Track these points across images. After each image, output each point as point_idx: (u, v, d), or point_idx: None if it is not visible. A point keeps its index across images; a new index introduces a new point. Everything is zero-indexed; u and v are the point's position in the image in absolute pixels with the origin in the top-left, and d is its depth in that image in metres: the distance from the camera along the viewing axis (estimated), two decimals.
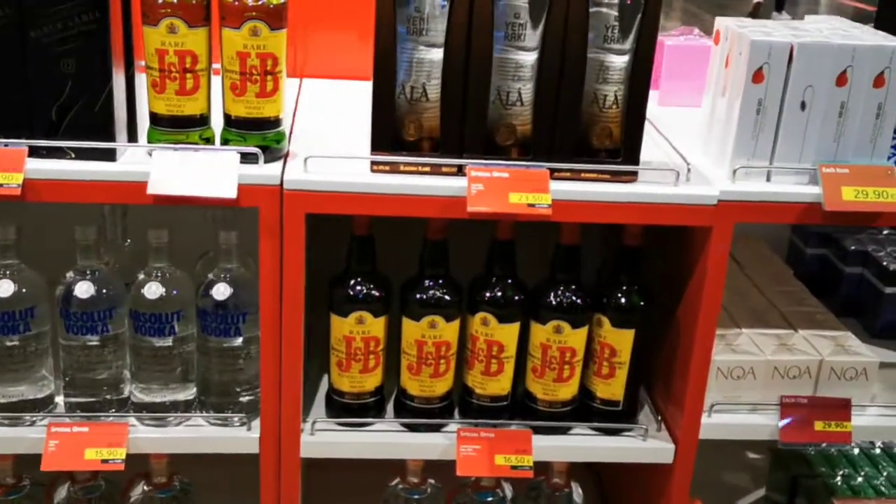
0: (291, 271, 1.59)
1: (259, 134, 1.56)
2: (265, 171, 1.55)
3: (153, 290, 1.63)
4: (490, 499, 1.90)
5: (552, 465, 1.89)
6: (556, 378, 1.75)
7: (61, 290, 1.64)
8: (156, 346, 1.66)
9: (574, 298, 1.71)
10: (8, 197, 1.47)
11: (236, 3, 1.47)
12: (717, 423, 1.78)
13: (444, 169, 1.59)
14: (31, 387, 1.68)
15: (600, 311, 1.74)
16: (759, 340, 1.84)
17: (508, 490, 1.93)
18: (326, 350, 1.75)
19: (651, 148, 1.79)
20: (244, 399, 1.74)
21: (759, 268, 2.16)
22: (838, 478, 2.21)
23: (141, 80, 1.59)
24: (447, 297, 1.70)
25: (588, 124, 1.60)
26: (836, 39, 1.58)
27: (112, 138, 1.52)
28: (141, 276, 1.66)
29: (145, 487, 1.82)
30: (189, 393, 1.73)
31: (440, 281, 1.70)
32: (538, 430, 1.78)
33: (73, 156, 1.52)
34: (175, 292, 1.66)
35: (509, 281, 1.72)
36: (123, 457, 1.65)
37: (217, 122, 1.59)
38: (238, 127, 1.56)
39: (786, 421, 1.77)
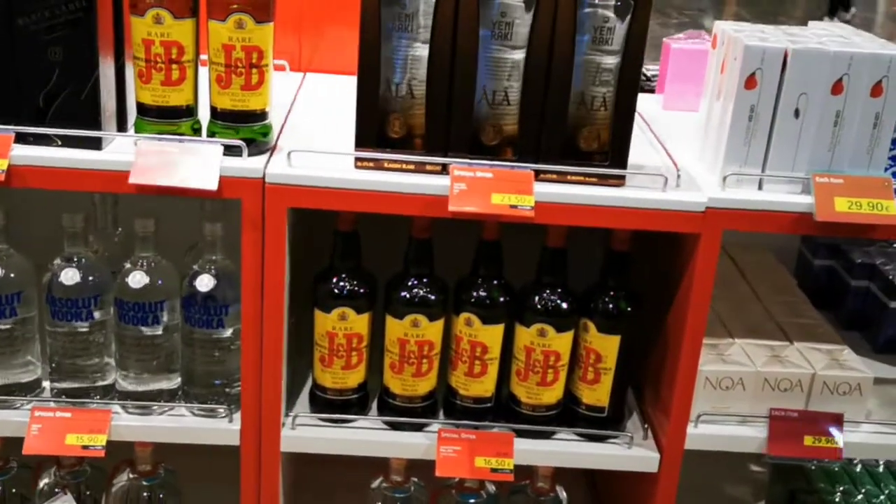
0: (273, 265, 1.59)
1: (244, 126, 1.56)
2: (248, 164, 1.55)
3: (137, 280, 1.64)
4: (473, 500, 1.89)
5: (537, 469, 1.87)
6: (539, 381, 1.73)
7: (48, 277, 1.65)
8: (140, 334, 1.67)
9: (559, 302, 1.69)
10: None
11: None
12: (703, 434, 1.75)
13: (429, 167, 1.58)
14: (18, 371, 1.70)
15: (586, 315, 1.72)
16: (752, 351, 1.80)
17: (493, 492, 1.91)
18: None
19: (646, 152, 1.77)
20: (231, 391, 1.75)
21: (762, 278, 2.12)
22: (837, 494, 2.17)
23: (131, 71, 1.59)
24: (430, 297, 1.69)
25: (576, 126, 1.58)
26: (832, 46, 1.54)
27: (98, 127, 1.53)
28: (127, 265, 1.66)
29: (130, 475, 1.83)
30: (173, 383, 1.74)
31: (424, 280, 1.69)
32: (521, 434, 1.76)
33: (59, 143, 1.53)
34: (160, 282, 1.67)
35: (495, 282, 1.70)
36: (104, 443, 1.66)
37: (205, 115, 1.59)
38: (223, 119, 1.56)
39: (773, 434, 1.73)
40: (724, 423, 1.76)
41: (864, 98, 1.55)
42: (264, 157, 1.58)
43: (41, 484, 1.83)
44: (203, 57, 1.55)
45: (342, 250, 1.68)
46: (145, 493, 1.84)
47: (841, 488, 2.18)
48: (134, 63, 1.53)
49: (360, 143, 1.57)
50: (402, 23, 1.51)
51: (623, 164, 1.58)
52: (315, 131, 1.74)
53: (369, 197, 1.56)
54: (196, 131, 1.59)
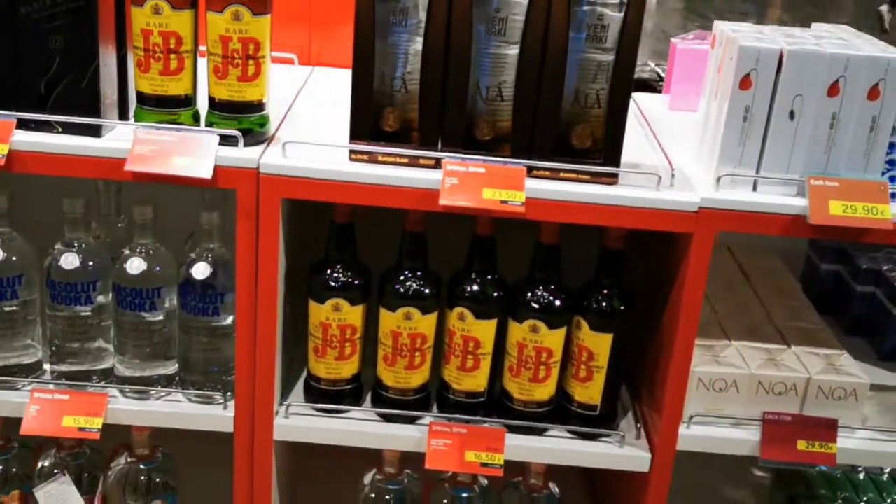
0: (267, 254, 1.61)
1: (241, 117, 1.58)
2: (243, 154, 1.57)
3: (135, 266, 1.67)
4: (466, 494, 1.90)
5: (530, 465, 1.87)
6: (531, 378, 1.74)
7: (48, 261, 1.68)
8: (137, 320, 1.70)
9: (551, 299, 1.69)
10: None
11: None
12: (696, 435, 1.74)
13: (422, 161, 1.59)
14: (19, 353, 1.73)
15: (579, 313, 1.72)
16: (747, 354, 1.79)
17: (485, 487, 1.92)
18: None
19: (644, 151, 1.76)
20: (228, 378, 1.77)
21: (766, 281, 2.11)
22: (839, 501, 2.15)
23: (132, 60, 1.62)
24: (423, 290, 1.70)
25: (570, 123, 1.59)
26: (828, 48, 1.53)
27: (98, 114, 1.56)
28: (126, 252, 1.69)
29: (128, 458, 1.86)
30: (170, 369, 1.77)
31: (418, 273, 1.70)
32: (513, 430, 1.77)
33: (59, 130, 1.56)
34: (158, 269, 1.69)
35: (489, 277, 1.71)
36: (100, 426, 1.69)
37: (205, 105, 1.62)
38: (220, 109, 1.58)
39: (766, 438, 1.72)
40: (716, 425, 1.75)
41: (860, 101, 1.54)
42: (260, 148, 1.60)
43: (41, 464, 1.86)
44: (203, 48, 1.58)
45: (337, 242, 1.70)
46: (143, 477, 1.87)
47: (842, 496, 2.17)
48: (133, 52, 1.55)
49: (355, 135, 1.58)
50: (397, 17, 1.53)
51: (616, 162, 1.58)
52: (316, 124, 1.76)
53: (362, 189, 1.57)
54: (196, 121, 1.62)
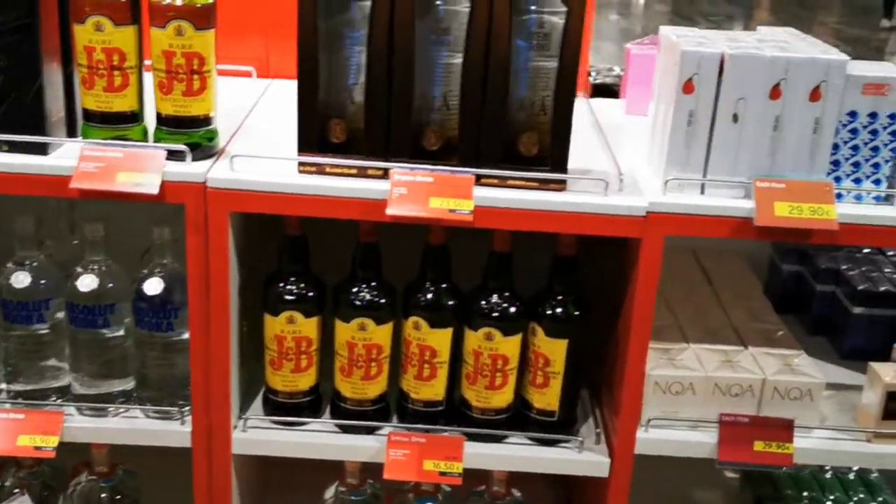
0: (218, 268, 1.61)
1: (188, 132, 1.58)
2: (191, 169, 1.57)
3: (87, 283, 1.67)
4: (429, 503, 1.90)
5: (492, 472, 1.87)
6: (488, 385, 1.74)
7: (0, 280, 1.68)
8: (91, 337, 1.70)
9: (505, 306, 1.70)
10: None
11: (161, 2, 1.50)
12: (653, 439, 1.74)
13: (370, 172, 1.59)
14: None
15: (534, 319, 1.72)
16: (704, 356, 1.80)
17: (448, 496, 1.92)
18: None
19: (596, 157, 1.77)
20: (186, 392, 1.76)
21: (728, 283, 2.11)
22: (805, 501, 2.16)
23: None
24: (377, 300, 1.70)
25: (517, 131, 1.59)
26: (768, 51, 1.54)
27: (43, 132, 1.56)
28: (78, 269, 1.69)
29: (88, 476, 1.86)
30: (126, 385, 1.76)
31: (372, 284, 1.70)
32: (473, 437, 1.77)
33: (6, 148, 1.56)
34: (110, 285, 1.69)
35: (443, 286, 1.71)
36: (56, 444, 1.69)
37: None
38: (167, 125, 1.58)
39: (723, 439, 1.73)
40: (674, 428, 1.76)
41: (802, 102, 1.55)
42: (209, 162, 1.60)
43: (1, 484, 1.86)
44: (148, 63, 1.58)
45: (289, 254, 1.70)
46: (103, 495, 1.86)
47: (809, 495, 2.17)
48: (77, 69, 1.55)
49: (303, 147, 1.59)
50: (341, 28, 1.53)
51: (563, 168, 1.59)
52: (269, 136, 1.76)
53: (310, 201, 1.57)
54: (145, 136, 1.62)
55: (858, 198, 1.62)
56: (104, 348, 1.71)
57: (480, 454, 1.76)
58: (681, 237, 2.18)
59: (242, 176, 1.57)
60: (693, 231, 1.59)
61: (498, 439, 1.79)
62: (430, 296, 1.70)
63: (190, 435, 1.73)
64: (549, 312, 1.71)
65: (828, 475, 2.25)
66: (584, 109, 2.07)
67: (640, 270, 1.61)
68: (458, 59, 1.53)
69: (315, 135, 1.58)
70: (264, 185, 1.57)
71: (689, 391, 1.75)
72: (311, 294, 1.70)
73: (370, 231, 1.68)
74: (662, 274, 2.11)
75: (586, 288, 1.76)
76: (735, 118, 1.56)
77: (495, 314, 1.69)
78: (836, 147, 1.59)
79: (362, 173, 1.59)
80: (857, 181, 1.61)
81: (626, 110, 2.10)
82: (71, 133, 1.64)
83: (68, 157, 1.57)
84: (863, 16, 11.67)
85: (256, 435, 1.77)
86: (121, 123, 1.57)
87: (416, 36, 1.53)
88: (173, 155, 1.57)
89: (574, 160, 1.64)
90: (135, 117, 1.59)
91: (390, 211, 1.53)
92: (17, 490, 1.84)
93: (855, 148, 1.59)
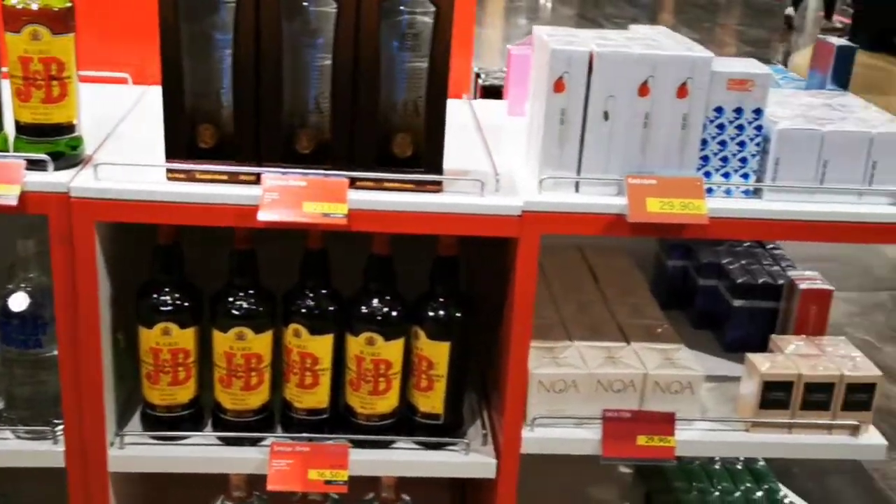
0: (85, 281, 1.56)
1: (50, 140, 1.53)
2: (53, 179, 1.52)
3: None
4: None
5: (381, 479, 1.85)
6: (371, 391, 1.72)
7: None
8: None
9: (386, 310, 1.68)
10: None
11: (16, 6, 1.44)
12: (539, 438, 1.75)
13: (242, 177, 1.56)
14: None
15: (416, 322, 1.71)
16: (588, 353, 1.81)
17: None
18: None
19: (475, 157, 1.76)
20: (59, 411, 1.70)
21: (614, 280, 2.14)
22: (694, 492, 2.19)
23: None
24: (255, 308, 1.67)
25: (391, 132, 1.58)
26: (636, 49, 1.56)
27: None
28: None
29: None
30: None
31: (249, 292, 1.67)
32: (359, 444, 1.75)
33: None
34: None
35: (322, 291, 1.69)
36: None
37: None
38: (27, 133, 1.52)
39: (607, 435, 1.74)
40: (559, 426, 1.76)
41: (670, 99, 1.57)
42: (73, 171, 1.55)
43: None
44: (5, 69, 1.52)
45: (162, 264, 1.66)
46: None
47: (698, 486, 2.21)
48: None
49: (171, 154, 1.55)
50: (209, 31, 1.50)
51: (438, 169, 1.58)
52: (140, 144, 1.71)
53: (180, 209, 1.53)
54: (6, 145, 1.55)
55: (728, 192, 1.65)
56: None
57: (367, 461, 1.74)
58: (569, 236, 2.23)
59: (108, 185, 1.52)
60: (568, 229, 1.60)
61: (384, 445, 1.77)
62: (309, 302, 1.68)
63: (63, 454, 1.67)
64: (430, 315, 1.70)
65: (717, 466, 2.29)
66: (466, 111, 2.07)
67: (518, 269, 1.61)
68: (328, 61, 1.51)
69: (183, 140, 1.55)
70: (131, 194, 1.52)
71: (572, 388, 1.76)
72: (186, 304, 1.66)
73: (245, 238, 1.64)
74: (549, 272, 2.14)
75: (472, 289, 1.76)
76: (606, 116, 1.57)
77: (376, 318, 1.68)
78: (704, 143, 1.61)
79: (234, 179, 1.56)
80: (726, 175, 1.64)
81: (508, 111, 2.10)
82: None
83: None
84: (764, 18, 12.02)
85: (134, 451, 1.71)
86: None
87: (285, 38, 1.51)
88: (35, 164, 1.52)
89: (452, 161, 1.63)
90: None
91: (262, 216, 1.50)
92: None
93: (723, 143, 1.62)
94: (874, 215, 1.63)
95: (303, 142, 1.57)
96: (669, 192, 1.58)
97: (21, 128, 1.53)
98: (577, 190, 1.62)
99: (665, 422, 1.75)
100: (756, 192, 1.65)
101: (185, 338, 1.67)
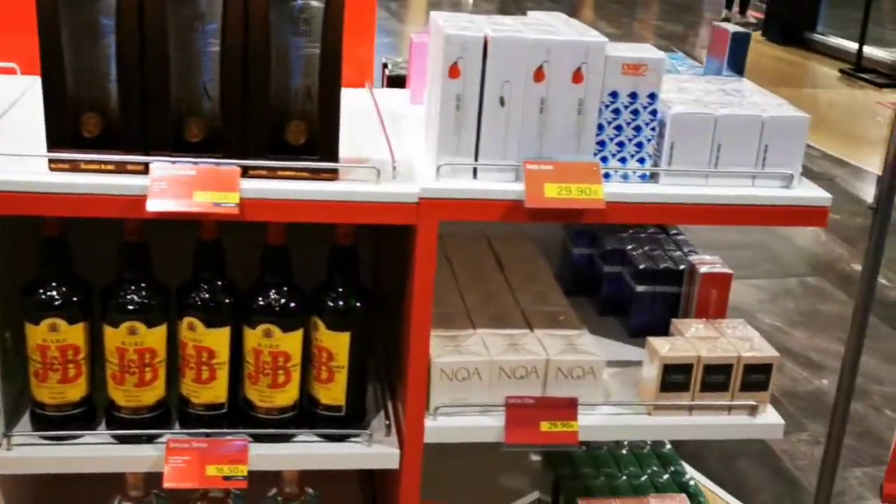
0: None
1: None
2: None
3: None
4: None
5: (282, 474, 1.82)
6: (271, 384, 1.69)
7: None
8: None
9: (283, 301, 1.65)
10: None
11: None
12: (442, 426, 1.74)
13: (130, 167, 1.51)
14: None
15: (315, 313, 1.68)
16: (490, 341, 1.80)
17: (241, 500, 1.86)
18: None
19: (375, 146, 1.74)
20: None
21: (519, 268, 2.14)
22: (601, 477, 2.21)
23: None
24: (147, 302, 1.62)
25: (283, 120, 1.55)
26: (531, 34, 1.55)
27: None
28: None
29: None
30: None
31: (141, 285, 1.62)
32: (259, 438, 1.71)
33: None
34: None
35: (218, 283, 1.65)
36: None
37: None
38: None
39: (510, 422, 1.74)
40: (463, 415, 1.75)
41: (566, 85, 1.57)
42: None
43: None
44: None
45: (48, 258, 1.60)
46: None
47: (605, 471, 2.22)
48: None
49: (53, 144, 1.49)
50: (95, 16, 1.45)
51: (334, 157, 1.55)
52: (25, 135, 1.64)
53: (64, 200, 1.48)
54: None
55: (625, 177, 1.66)
56: None
57: (267, 455, 1.71)
58: (477, 226, 2.22)
59: None
60: (466, 216, 1.59)
61: (285, 438, 1.74)
62: (203, 294, 1.64)
63: None
64: (329, 305, 1.68)
65: (624, 451, 2.31)
66: (367, 99, 2.04)
67: (417, 257, 1.60)
68: (212, 47, 1.47)
69: (67, 130, 1.49)
70: (11, 185, 1.47)
71: (475, 376, 1.75)
72: (74, 299, 1.61)
73: (135, 230, 1.59)
74: (455, 262, 2.13)
75: (378, 278, 1.74)
76: (502, 101, 1.56)
77: (273, 310, 1.65)
78: (600, 127, 1.62)
79: (121, 169, 1.51)
80: (623, 160, 1.65)
81: (411, 100, 2.08)
82: None
83: None
84: (681, 13, 12.23)
85: (23, 452, 1.65)
86: None
87: (173, 23, 1.47)
88: None
89: (349, 150, 1.61)
90: None
91: (151, 207, 1.46)
92: None
93: (619, 128, 1.62)
94: (767, 198, 1.66)
95: (192, 130, 1.53)
96: (567, 178, 1.58)
97: None
98: (475, 176, 1.61)
99: (568, 407, 1.76)
100: (653, 177, 1.67)
101: (74, 334, 1.62)
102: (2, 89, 1.90)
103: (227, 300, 1.65)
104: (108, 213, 1.50)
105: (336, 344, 1.68)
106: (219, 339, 1.65)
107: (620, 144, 1.63)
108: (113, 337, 1.62)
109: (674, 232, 2.28)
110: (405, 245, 1.69)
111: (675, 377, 1.78)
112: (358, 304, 1.68)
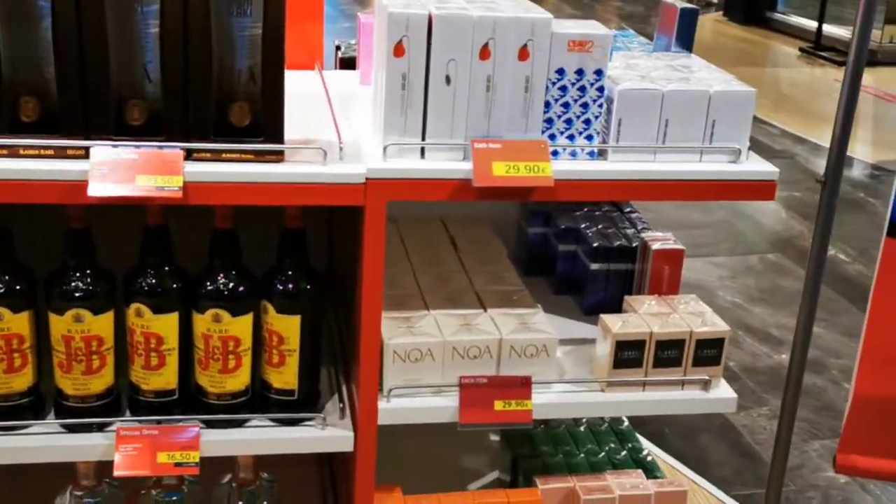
0: None
1: None
2: None
3: None
4: (175, 497, 1.82)
5: (237, 459, 1.81)
6: (221, 369, 1.67)
7: None
8: None
9: (232, 285, 1.63)
10: None
11: None
12: (396, 408, 1.73)
13: (70, 152, 1.48)
14: None
15: (265, 297, 1.67)
16: (444, 322, 1.80)
17: (195, 487, 1.84)
18: None
19: (322, 127, 1.72)
20: None
21: (474, 249, 2.13)
22: (559, 456, 2.21)
23: None
24: (92, 289, 1.60)
25: (226, 101, 1.53)
26: (476, 11, 1.54)
27: None
28: None
29: None
30: None
31: (86, 271, 1.60)
32: (211, 424, 1.70)
33: None
34: None
35: (165, 269, 1.63)
36: None
37: None
38: None
39: (464, 402, 1.74)
40: (416, 396, 1.75)
41: (512, 62, 1.56)
42: None
43: None
44: None
45: None
46: None
47: (563, 449, 2.23)
48: None
49: None
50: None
51: (279, 138, 1.54)
52: None
53: (2, 186, 1.46)
54: None
55: (573, 154, 1.65)
56: None
57: (219, 441, 1.70)
58: (431, 208, 2.21)
59: None
60: (414, 195, 1.58)
61: (238, 424, 1.73)
62: (150, 280, 1.62)
63: None
64: (279, 288, 1.66)
65: (582, 429, 2.32)
66: (316, 81, 2.02)
67: (366, 238, 1.59)
68: (151, 28, 1.45)
69: (5, 114, 1.47)
70: None
71: (428, 357, 1.75)
72: (18, 287, 1.58)
73: (78, 216, 1.57)
74: (410, 244, 2.12)
75: (332, 261, 1.73)
76: (448, 80, 1.55)
77: (222, 294, 1.63)
78: (547, 105, 1.61)
79: (61, 154, 1.48)
80: (571, 138, 1.64)
81: (361, 81, 2.07)
82: None
83: None
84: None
85: None
86: None
87: (111, 4, 1.44)
88: None
89: (297, 131, 1.60)
90: None
91: (92, 192, 1.44)
92: None
93: (566, 105, 1.62)
94: (714, 173, 1.66)
95: (134, 113, 1.50)
96: (515, 156, 1.58)
97: None
98: (422, 156, 1.60)
99: (521, 386, 1.76)
100: (601, 154, 1.66)
101: (19, 323, 1.59)
102: None
103: (174, 285, 1.63)
104: (49, 199, 1.47)
105: (286, 327, 1.67)
106: (167, 325, 1.63)
107: (568, 122, 1.63)
108: (59, 325, 1.60)
109: (628, 209, 2.29)
110: (356, 227, 1.68)
111: (627, 354, 1.79)
112: (308, 287, 1.67)
